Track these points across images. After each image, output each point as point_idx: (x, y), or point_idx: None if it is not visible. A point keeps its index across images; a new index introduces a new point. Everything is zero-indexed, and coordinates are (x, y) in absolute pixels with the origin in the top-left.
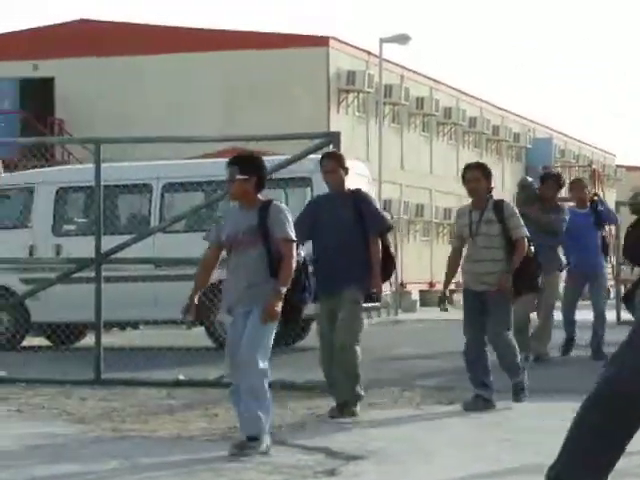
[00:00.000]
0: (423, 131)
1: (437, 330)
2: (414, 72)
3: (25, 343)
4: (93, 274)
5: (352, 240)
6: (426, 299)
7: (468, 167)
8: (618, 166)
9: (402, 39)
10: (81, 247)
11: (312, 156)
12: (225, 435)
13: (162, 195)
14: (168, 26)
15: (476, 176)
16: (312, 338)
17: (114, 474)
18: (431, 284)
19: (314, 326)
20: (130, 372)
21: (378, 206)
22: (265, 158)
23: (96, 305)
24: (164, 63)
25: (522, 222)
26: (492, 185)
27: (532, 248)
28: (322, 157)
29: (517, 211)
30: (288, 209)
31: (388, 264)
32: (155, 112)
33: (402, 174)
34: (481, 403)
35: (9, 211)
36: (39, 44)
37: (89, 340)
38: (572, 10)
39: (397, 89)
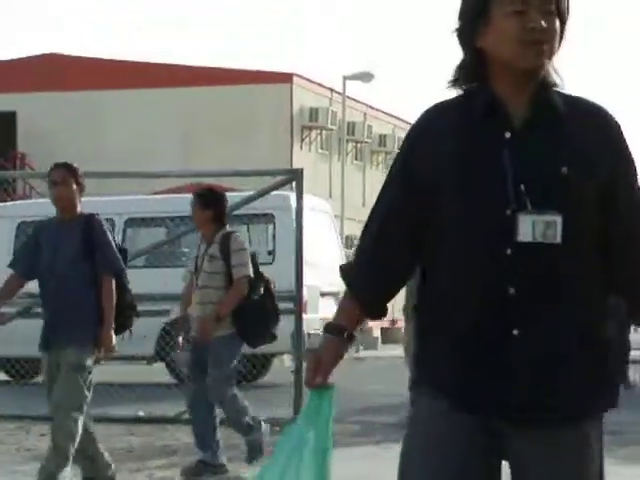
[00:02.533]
0: (386, 169)
1: (398, 367)
2: (377, 110)
3: None
4: None
5: (75, 281)
6: (388, 337)
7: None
8: None
9: (365, 77)
10: None
11: (275, 193)
12: (183, 472)
13: (124, 230)
14: (131, 61)
15: (192, 207)
16: (273, 375)
17: None
18: (393, 322)
19: (276, 362)
20: (90, 408)
21: (112, 239)
22: (228, 194)
23: None
24: (127, 98)
25: (245, 259)
26: (216, 216)
27: (261, 290)
28: (50, 168)
29: (244, 246)
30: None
31: (126, 312)
32: (117, 147)
33: (365, 211)
34: (201, 468)
35: None
36: (1, 77)
37: None
38: None
39: (360, 127)
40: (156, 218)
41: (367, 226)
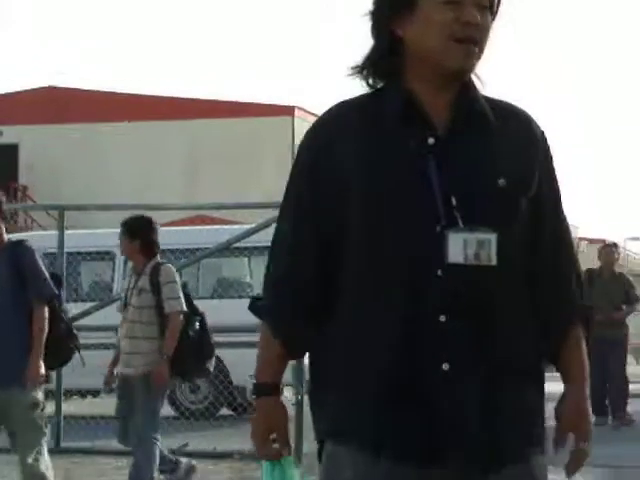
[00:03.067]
0: None
1: None
2: None
3: None
4: None
5: (8, 311)
6: None
7: None
8: (580, 238)
9: None
10: None
11: None
12: None
13: (125, 262)
14: (133, 94)
15: (119, 236)
16: None
17: None
18: None
19: None
20: (89, 441)
21: (42, 266)
22: (229, 227)
23: (56, 372)
24: (129, 130)
25: (177, 292)
26: (145, 245)
27: (197, 325)
28: None
29: (176, 278)
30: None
31: (63, 343)
32: (119, 179)
33: None
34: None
35: None
36: (4, 110)
37: (49, 408)
38: (523, 91)
39: None
40: None
41: (277, 250)
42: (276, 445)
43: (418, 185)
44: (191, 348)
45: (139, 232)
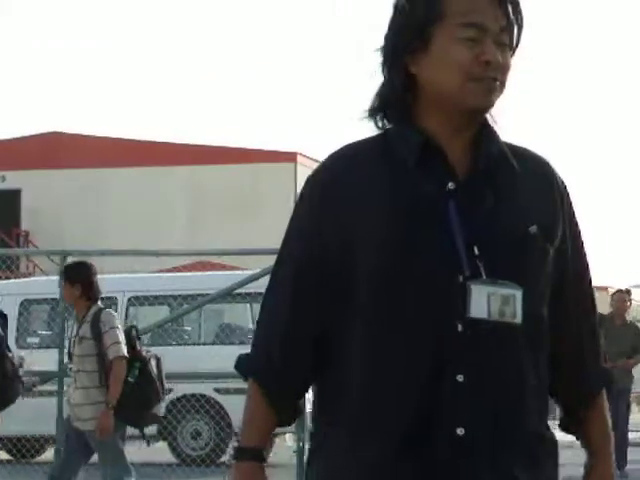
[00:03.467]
0: None
1: None
2: None
3: None
4: (55, 387)
5: None
6: None
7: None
8: None
9: None
10: (44, 360)
11: None
12: None
13: (127, 308)
14: (135, 140)
15: (62, 283)
16: (276, 454)
17: None
18: None
19: (278, 442)
20: None
21: None
22: (231, 273)
23: (57, 418)
24: (131, 176)
25: (119, 337)
26: (85, 291)
27: (136, 371)
28: None
29: (117, 323)
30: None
31: (6, 382)
32: (122, 225)
33: None
34: None
35: None
36: (7, 155)
37: (49, 454)
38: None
39: None
40: (159, 296)
41: (273, 297)
42: None
43: (438, 232)
44: (134, 395)
45: (79, 277)
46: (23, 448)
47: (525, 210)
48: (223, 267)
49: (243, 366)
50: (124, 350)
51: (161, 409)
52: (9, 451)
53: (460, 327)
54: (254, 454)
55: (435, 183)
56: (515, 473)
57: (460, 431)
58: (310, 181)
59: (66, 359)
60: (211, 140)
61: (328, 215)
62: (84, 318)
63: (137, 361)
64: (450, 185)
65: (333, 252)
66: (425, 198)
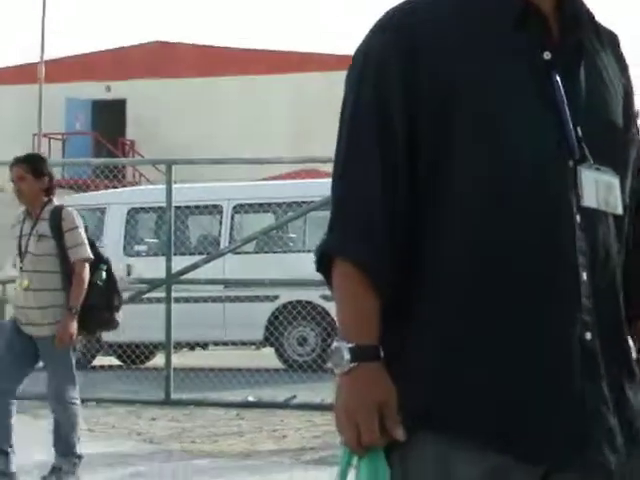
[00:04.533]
0: None
1: None
2: None
3: (96, 363)
4: (163, 294)
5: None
6: None
7: (12, 163)
8: None
9: None
10: (151, 267)
11: None
12: (294, 456)
13: (232, 216)
14: (240, 48)
15: (20, 174)
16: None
17: None
18: None
19: None
20: (199, 392)
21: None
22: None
23: (166, 325)
24: (237, 84)
25: (82, 238)
26: (48, 185)
27: (103, 273)
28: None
29: (79, 223)
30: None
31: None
32: (227, 133)
33: None
34: None
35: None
36: (112, 66)
37: (159, 360)
38: None
39: None
40: (264, 204)
41: (355, 175)
42: (396, 429)
43: (544, 108)
44: (100, 299)
45: (46, 170)
46: (133, 354)
47: (613, 89)
48: (328, 174)
49: (334, 248)
50: (89, 252)
51: (121, 315)
52: (119, 357)
53: (578, 218)
54: (376, 353)
55: (533, 52)
56: (623, 382)
57: (588, 335)
58: (381, 44)
59: (17, 262)
60: (316, 47)
61: (415, 84)
62: (40, 215)
63: (102, 263)
64: (545, 55)
65: (424, 121)
66: (526, 68)
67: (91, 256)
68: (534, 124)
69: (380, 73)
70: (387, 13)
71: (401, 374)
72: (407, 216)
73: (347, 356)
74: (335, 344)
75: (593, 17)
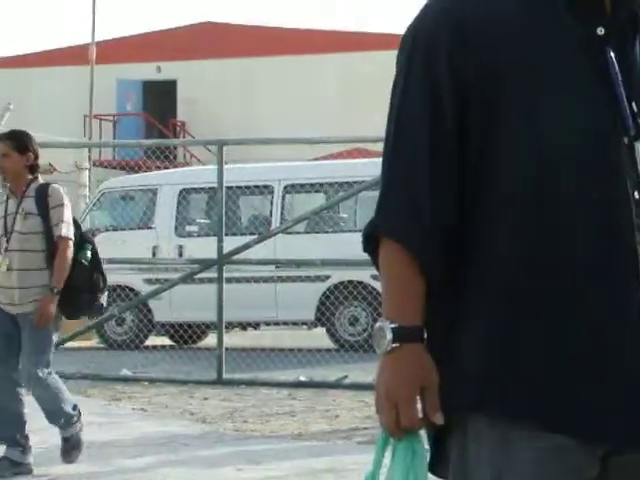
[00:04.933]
0: None
1: None
2: None
3: (148, 343)
4: (215, 275)
5: None
6: None
7: None
8: None
9: None
10: (203, 248)
11: None
12: (347, 436)
13: (283, 196)
14: (290, 28)
15: (4, 150)
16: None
17: (236, 475)
18: None
19: None
20: (251, 372)
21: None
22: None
23: (218, 305)
24: (286, 64)
25: (67, 216)
26: (33, 162)
27: (88, 253)
28: None
29: (65, 201)
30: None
31: None
32: (276, 113)
33: None
34: (6, 465)
35: (133, 212)
36: (163, 46)
37: (211, 340)
38: None
39: None
40: (315, 184)
41: (400, 148)
42: (434, 412)
43: (598, 84)
44: (83, 280)
45: (32, 147)
46: (185, 334)
47: None
48: (379, 154)
49: (382, 229)
50: (72, 231)
51: (105, 298)
52: (172, 337)
53: (637, 194)
54: (419, 334)
55: (586, 28)
56: None
57: None
58: (430, 25)
59: (3, 242)
60: (363, 26)
61: (465, 63)
62: (26, 193)
63: (88, 243)
64: (599, 30)
65: (473, 105)
66: (579, 45)
67: (72, 236)
68: (587, 102)
69: (429, 55)
70: (429, 10)
71: (448, 358)
72: (456, 199)
73: (389, 336)
74: (378, 324)
75: None
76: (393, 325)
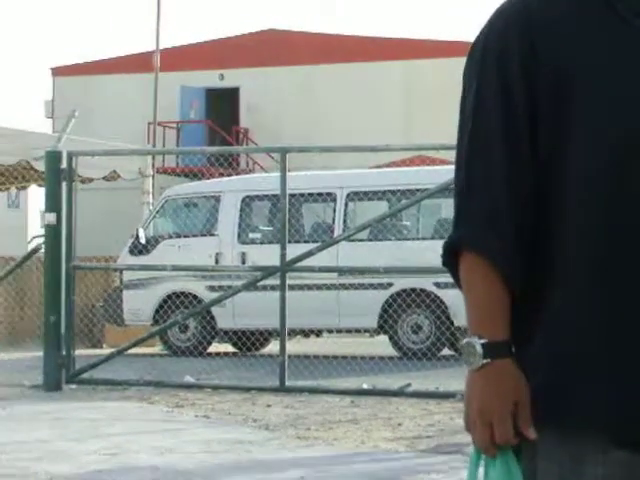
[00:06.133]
0: None
1: None
2: None
3: (211, 349)
4: (278, 282)
5: None
6: None
7: None
8: None
9: None
10: (265, 255)
11: None
12: (409, 444)
13: (346, 204)
14: (352, 35)
15: None
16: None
17: None
18: None
19: None
20: (314, 380)
21: None
22: (450, 167)
23: (281, 312)
24: (348, 72)
25: None
26: None
27: None
28: None
29: None
30: None
31: None
32: (338, 121)
33: None
34: None
35: (196, 219)
36: (225, 54)
37: (273, 347)
38: None
39: None
40: (377, 191)
41: (480, 164)
42: (528, 429)
43: None
44: None
45: None
46: (248, 341)
47: None
48: (441, 162)
49: (461, 242)
50: None
51: None
52: (234, 344)
53: None
54: (509, 349)
55: (622, 18)
56: None
57: None
58: (500, 32)
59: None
60: (425, 34)
61: (535, 65)
62: None
63: None
64: (638, 22)
65: (543, 106)
66: (617, 35)
67: None
68: None
69: (501, 60)
70: (507, 8)
71: (528, 363)
72: (532, 204)
73: (480, 352)
74: (467, 339)
75: None
76: (482, 341)
